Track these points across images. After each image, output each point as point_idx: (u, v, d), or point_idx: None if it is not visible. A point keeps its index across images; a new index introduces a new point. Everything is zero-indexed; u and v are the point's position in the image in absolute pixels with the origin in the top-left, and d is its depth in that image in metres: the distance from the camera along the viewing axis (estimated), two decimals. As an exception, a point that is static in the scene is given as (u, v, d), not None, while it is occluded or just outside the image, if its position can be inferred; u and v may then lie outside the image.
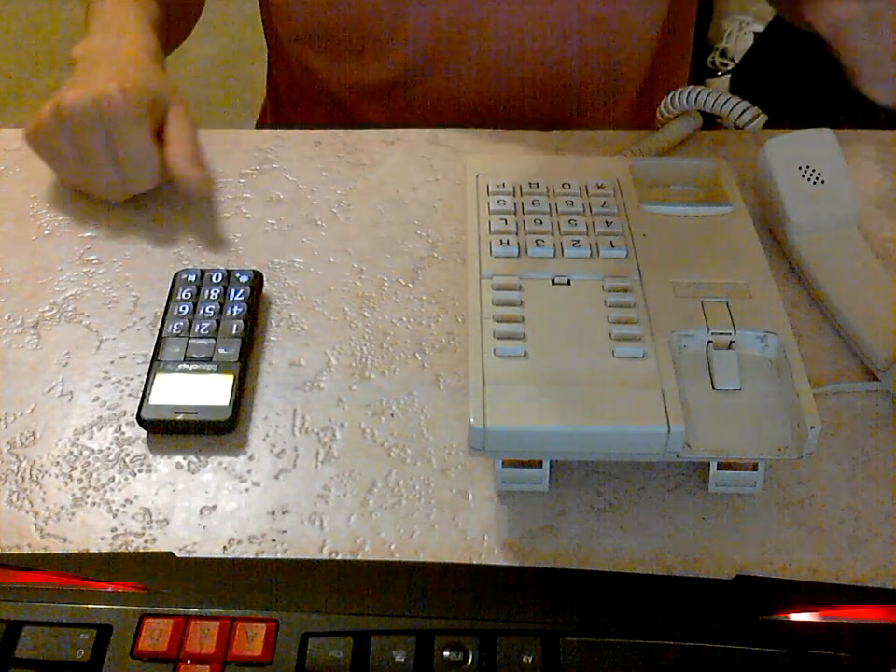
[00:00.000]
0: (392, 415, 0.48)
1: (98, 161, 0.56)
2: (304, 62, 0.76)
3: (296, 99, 0.81)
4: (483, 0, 0.67)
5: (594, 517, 0.43)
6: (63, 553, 0.42)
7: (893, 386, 0.47)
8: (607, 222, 0.49)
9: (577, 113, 0.74)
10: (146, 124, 0.56)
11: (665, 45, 0.75)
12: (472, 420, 0.39)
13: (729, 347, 0.43)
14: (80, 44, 0.62)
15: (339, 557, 0.42)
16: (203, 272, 0.53)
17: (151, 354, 0.49)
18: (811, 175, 0.54)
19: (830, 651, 0.36)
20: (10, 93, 2.00)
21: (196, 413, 0.46)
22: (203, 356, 0.48)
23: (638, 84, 0.76)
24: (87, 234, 0.58)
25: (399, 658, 0.36)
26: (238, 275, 0.52)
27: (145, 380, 0.48)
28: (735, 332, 0.43)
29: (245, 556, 0.42)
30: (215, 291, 0.51)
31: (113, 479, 0.45)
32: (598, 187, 0.52)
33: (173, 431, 0.47)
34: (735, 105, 0.56)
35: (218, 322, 0.50)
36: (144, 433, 0.47)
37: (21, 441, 0.47)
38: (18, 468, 0.46)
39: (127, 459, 0.46)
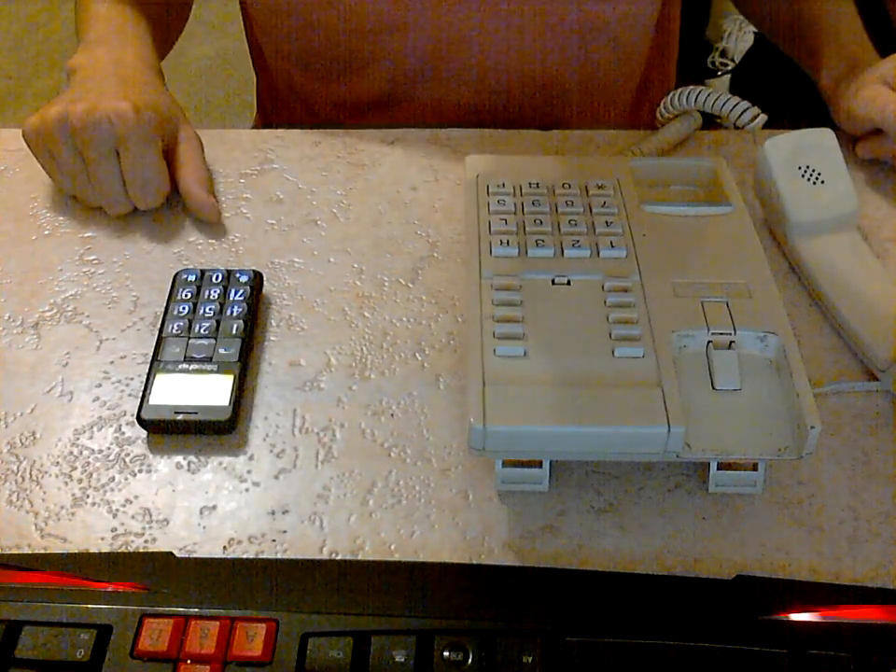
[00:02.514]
0: (392, 415, 0.48)
1: (103, 177, 0.56)
2: (289, 80, 0.76)
3: (283, 116, 0.81)
4: (480, 8, 0.67)
5: (594, 517, 0.43)
6: (63, 553, 0.42)
7: (893, 386, 0.47)
8: (607, 222, 0.49)
9: (576, 114, 0.74)
10: (157, 144, 0.56)
11: (657, 44, 0.75)
12: (472, 420, 0.39)
13: (729, 347, 0.43)
14: (80, 54, 0.62)
15: (339, 557, 0.42)
16: (203, 272, 0.53)
17: (151, 354, 0.49)
18: (811, 174, 0.54)
19: (830, 651, 0.36)
20: (10, 93, 2.00)
21: (196, 413, 0.46)
22: (203, 356, 0.48)
23: (635, 83, 0.77)
24: (87, 234, 0.58)
25: (399, 658, 0.36)
26: (238, 275, 0.52)
27: (145, 380, 0.48)
28: (734, 332, 0.43)
29: (245, 556, 0.42)
30: (215, 291, 0.51)
31: (113, 479, 0.45)
32: (598, 187, 0.52)
33: (173, 431, 0.47)
34: (735, 105, 0.56)
35: (218, 322, 0.50)
36: (144, 433, 0.47)
37: (21, 441, 0.47)
38: (18, 468, 0.46)
39: (127, 459, 0.46)
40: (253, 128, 0.88)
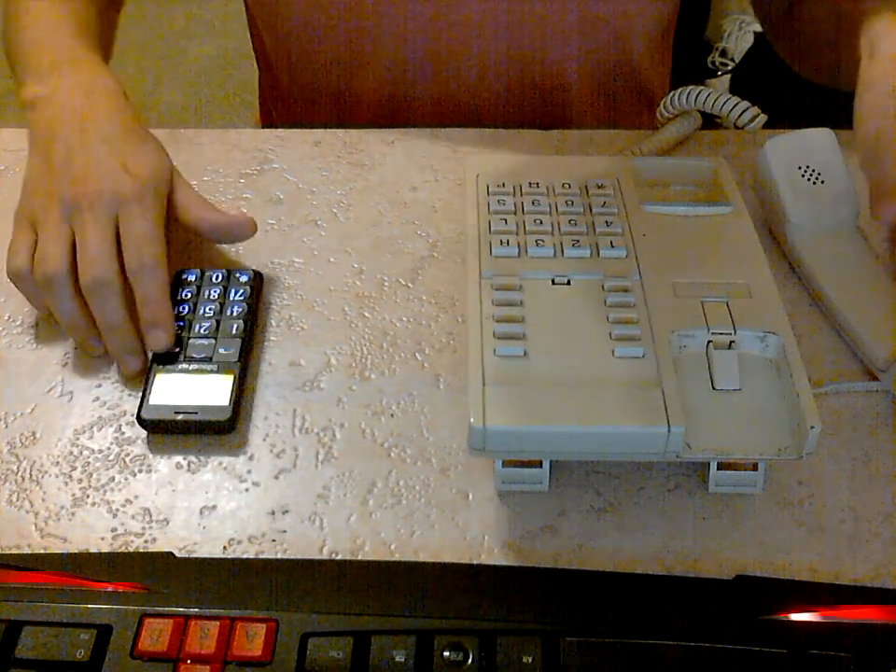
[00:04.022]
0: (392, 415, 0.48)
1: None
2: (290, 79, 0.76)
3: (284, 115, 0.80)
4: (480, 8, 0.67)
5: (594, 517, 0.43)
6: (63, 553, 0.42)
7: (893, 386, 0.47)
8: (607, 222, 0.49)
9: (576, 114, 0.74)
10: (158, 211, 0.51)
11: (657, 44, 0.75)
12: (472, 420, 0.39)
13: (729, 347, 0.43)
14: (35, 84, 0.56)
15: (339, 557, 0.42)
16: (202, 272, 0.53)
17: (151, 354, 0.49)
18: (811, 174, 0.54)
19: (830, 651, 0.36)
20: (10, 93, 1.99)
21: (196, 413, 0.46)
22: (203, 356, 0.48)
23: (639, 86, 0.76)
24: (87, 234, 0.58)
25: (399, 658, 0.36)
26: (238, 275, 0.52)
27: (145, 380, 0.48)
28: (735, 332, 0.43)
29: (245, 556, 0.42)
30: (215, 291, 0.51)
31: (113, 479, 0.45)
32: (598, 187, 0.52)
33: (173, 431, 0.47)
34: (735, 105, 0.56)
35: (218, 322, 0.50)
36: (144, 433, 0.47)
37: (21, 441, 0.47)
38: (18, 468, 0.46)
39: (127, 459, 0.46)
40: (254, 127, 0.88)
